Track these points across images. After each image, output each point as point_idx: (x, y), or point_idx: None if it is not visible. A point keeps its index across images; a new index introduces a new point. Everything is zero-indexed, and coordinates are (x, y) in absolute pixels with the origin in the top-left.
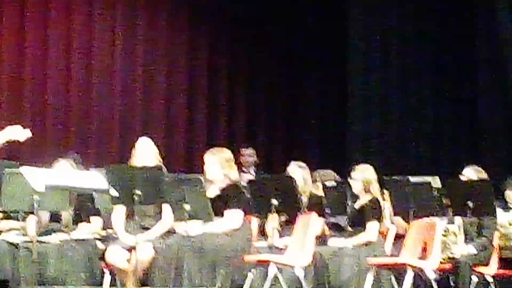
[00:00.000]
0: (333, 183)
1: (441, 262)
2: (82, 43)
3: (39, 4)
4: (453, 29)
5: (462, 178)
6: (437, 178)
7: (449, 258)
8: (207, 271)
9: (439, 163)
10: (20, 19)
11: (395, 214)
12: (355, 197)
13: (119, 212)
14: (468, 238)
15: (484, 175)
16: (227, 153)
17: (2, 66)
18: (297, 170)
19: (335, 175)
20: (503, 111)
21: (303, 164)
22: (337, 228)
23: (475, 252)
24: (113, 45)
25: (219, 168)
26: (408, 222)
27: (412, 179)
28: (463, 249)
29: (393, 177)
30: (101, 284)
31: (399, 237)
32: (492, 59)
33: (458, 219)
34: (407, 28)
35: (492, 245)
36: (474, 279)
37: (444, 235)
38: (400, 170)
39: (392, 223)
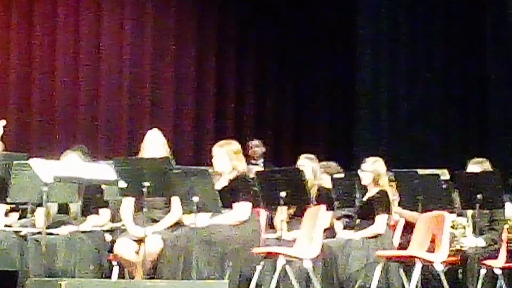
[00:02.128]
0: (341, 175)
1: (449, 255)
2: (90, 36)
3: (48, 2)
4: (462, 19)
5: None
6: (445, 171)
7: (457, 250)
8: (215, 263)
9: (448, 155)
10: (29, 14)
11: (403, 207)
12: (364, 190)
13: (127, 204)
14: (478, 231)
15: (487, 165)
16: (235, 145)
17: (11, 61)
18: (307, 163)
19: (338, 167)
20: None
21: (313, 157)
22: (345, 221)
23: (484, 245)
24: (121, 38)
25: (228, 160)
26: None
27: (421, 171)
28: (472, 242)
29: (402, 170)
30: (109, 276)
31: (408, 228)
32: (502, 53)
33: (468, 212)
34: (416, 24)
35: (501, 239)
36: (482, 271)
37: (453, 227)
38: (409, 163)
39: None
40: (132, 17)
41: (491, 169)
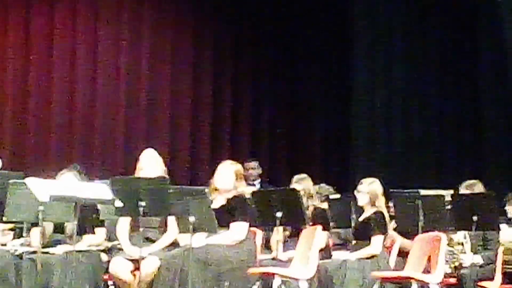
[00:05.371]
0: (337, 196)
1: (447, 275)
2: (87, 54)
3: (44, 18)
4: (456, 36)
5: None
6: (450, 192)
7: (455, 267)
8: (211, 283)
9: (444, 177)
10: (25, 31)
11: (400, 228)
12: (360, 210)
13: (123, 223)
14: (474, 251)
15: (480, 187)
16: (240, 167)
17: (7, 78)
18: (300, 183)
19: (330, 188)
20: (507, 126)
21: (306, 176)
22: (341, 241)
23: (482, 262)
24: (117, 57)
25: (233, 179)
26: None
27: (423, 192)
28: (471, 258)
29: (403, 191)
30: None
31: (403, 251)
32: (495, 72)
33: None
34: (412, 36)
35: (497, 258)
36: None
37: (451, 246)
38: (404, 184)
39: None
40: (128, 37)
41: (483, 191)
